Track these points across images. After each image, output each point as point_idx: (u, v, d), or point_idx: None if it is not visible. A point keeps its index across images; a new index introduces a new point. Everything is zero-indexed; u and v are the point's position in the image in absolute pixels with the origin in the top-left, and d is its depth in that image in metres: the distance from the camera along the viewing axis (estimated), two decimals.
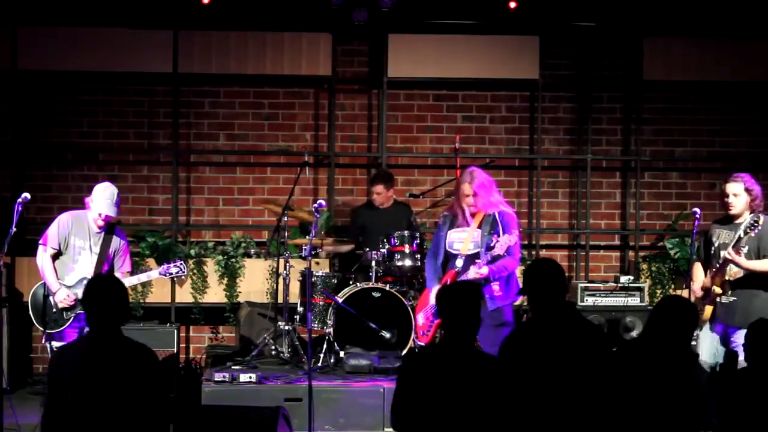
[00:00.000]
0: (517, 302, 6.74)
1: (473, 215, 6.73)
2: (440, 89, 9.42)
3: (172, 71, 9.01)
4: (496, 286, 6.52)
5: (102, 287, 4.49)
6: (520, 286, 6.57)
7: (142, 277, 7.08)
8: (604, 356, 4.61)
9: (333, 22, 9.03)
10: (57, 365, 4.42)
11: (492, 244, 6.45)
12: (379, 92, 9.30)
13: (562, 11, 9.20)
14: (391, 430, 4.64)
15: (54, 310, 6.61)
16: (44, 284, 6.66)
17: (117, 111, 9.21)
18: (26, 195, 6.54)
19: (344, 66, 9.37)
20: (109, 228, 6.71)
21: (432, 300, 6.64)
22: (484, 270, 6.47)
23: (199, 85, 9.26)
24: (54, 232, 6.67)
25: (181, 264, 6.87)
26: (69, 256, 6.65)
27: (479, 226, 6.69)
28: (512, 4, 8.91)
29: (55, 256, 6.67)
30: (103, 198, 6.58)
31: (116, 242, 6.72)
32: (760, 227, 6.28)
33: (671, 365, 4.55)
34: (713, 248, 6.56)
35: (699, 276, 6.67)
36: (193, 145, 9.32)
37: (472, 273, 6.46)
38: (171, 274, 6.84)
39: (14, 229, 6.41)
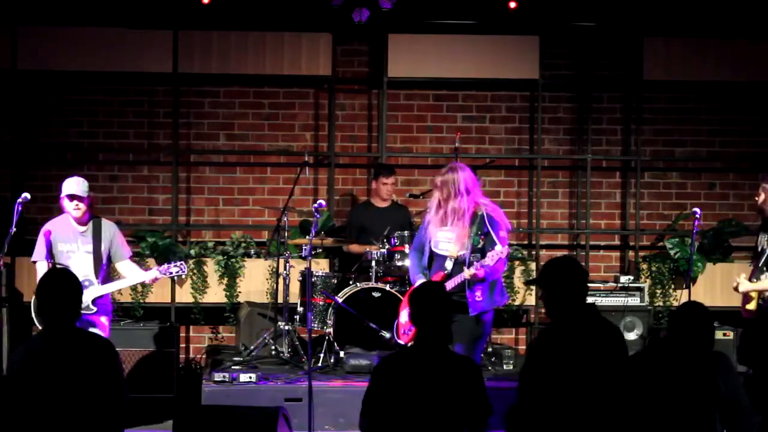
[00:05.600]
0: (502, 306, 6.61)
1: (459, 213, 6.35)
2: (440, 89, 9.41)
3: (172, 71, 9.01)
4: (478, 293, 6.28)
5: (57, 282, 4.50)
6: (506, 294, 6.55)
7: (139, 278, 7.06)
8: (624, 359, 4.61)
9: (333, 22, 9.03)
10: (24, 360, 4.41)
11: (480, 246, 6.27)
12: (379, 92, 9.30)
13: (562, 11, 9.19)
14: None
15: None
16: None
17: (117, 111, 9.21)
18: (26, 195, 6.55)
19: (344, 66, 9.37)
20: (96, 223, 6.65)
21: None
22: (480, 272, 6.19)
23: (199, 85, 9.26)
24: (39, 244, 6.59)
25: (181, 264, 6.82)
26: (61, 262, 6.57)
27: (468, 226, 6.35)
28: (512, 4, 8.90)
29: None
30: (68, 184, 6.51)
31: (107, 234, 6.63)
32: None
33: (698, 366, 4.57)
34: (757, 251, 6.93)
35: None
36: (193, 145, 9.32)
37: (467, 274, 6.22)
38: (171, 273, 6.81)
39: (14, 229, 6.43)
